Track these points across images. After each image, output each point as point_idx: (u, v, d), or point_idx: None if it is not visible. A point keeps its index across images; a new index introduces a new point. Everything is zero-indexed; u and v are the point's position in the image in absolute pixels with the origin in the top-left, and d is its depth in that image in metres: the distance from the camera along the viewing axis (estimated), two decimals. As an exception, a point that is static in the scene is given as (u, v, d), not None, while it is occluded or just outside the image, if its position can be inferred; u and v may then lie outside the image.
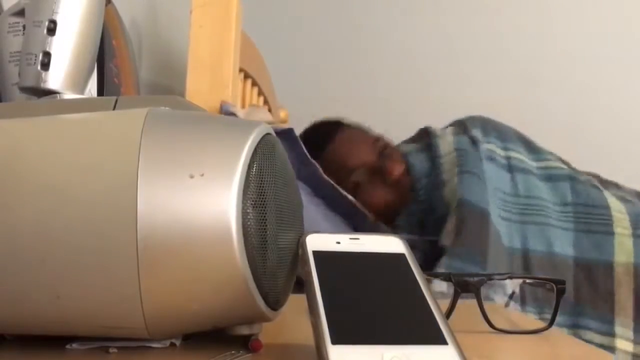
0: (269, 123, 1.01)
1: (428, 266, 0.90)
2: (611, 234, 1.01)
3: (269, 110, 1.24)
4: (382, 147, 1.08)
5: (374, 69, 1.74)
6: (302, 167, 0.95)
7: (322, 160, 1.01)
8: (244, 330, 0.41)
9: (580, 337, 0.93)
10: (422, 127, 1.19)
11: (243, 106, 1.16)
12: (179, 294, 0.38)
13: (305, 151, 0.96)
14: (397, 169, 1.06)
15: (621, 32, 1.72)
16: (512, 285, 0.61)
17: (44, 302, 0.38)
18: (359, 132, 1.13)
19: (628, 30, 1.73)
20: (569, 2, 1.74)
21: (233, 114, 0.94)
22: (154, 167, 0.37)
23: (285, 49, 1.67)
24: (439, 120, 1.25)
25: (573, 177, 1.09)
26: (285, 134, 0.95)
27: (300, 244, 0.40)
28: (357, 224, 0.98)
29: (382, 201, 1.04)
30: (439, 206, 1.02)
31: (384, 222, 1.03)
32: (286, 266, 0.41)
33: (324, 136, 1.13)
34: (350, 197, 0.97)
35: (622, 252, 0.99)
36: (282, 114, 1.44)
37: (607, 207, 1.04)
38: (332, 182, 0.96)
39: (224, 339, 0.41)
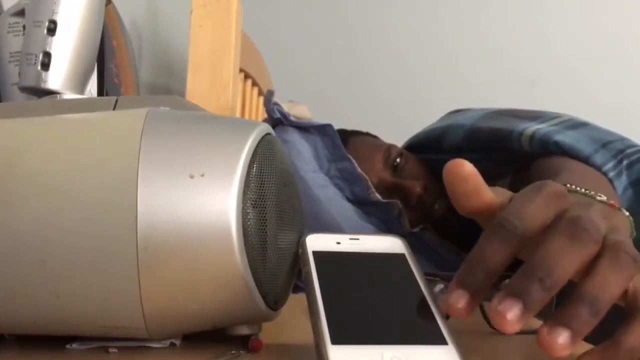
0: (306, 118, 1.00)
1: None
2: None
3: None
4: (393, 159, 0.95)
5: (375, 70, 1.74)
6: (333, 165, 0.92)
7: None
8: (244, 330, 0.41)
9: None
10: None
11: (243, 107, 1.16)
12: (178, 294, 0.38)
13: (342, 147, 0.92)
14: (417, 187, 0.93)
15: (621, 32, 1.72)
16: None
17: (44, 302, 0.38)
18: (367, 146, 1.01)
19: (628, 30, 1.72)
20: (566, 1, 1.74)
21: (277, 104, 0.95)
22: (154, 168, 0.37)
23: (285, 49, 1.66)
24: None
25: None
26: (323, 130, 0.93)
27: (301, 244, 0.40)
28: (391, 226, 0.89)
29: (413, 223, 0.91)
30: None
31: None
32: (286, 266, 0.41)
33: None
34: (379, 197, 0.90)
35: None
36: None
37: None
38: (368, 179, 0.90)
39: (224, 339, 0.41)
